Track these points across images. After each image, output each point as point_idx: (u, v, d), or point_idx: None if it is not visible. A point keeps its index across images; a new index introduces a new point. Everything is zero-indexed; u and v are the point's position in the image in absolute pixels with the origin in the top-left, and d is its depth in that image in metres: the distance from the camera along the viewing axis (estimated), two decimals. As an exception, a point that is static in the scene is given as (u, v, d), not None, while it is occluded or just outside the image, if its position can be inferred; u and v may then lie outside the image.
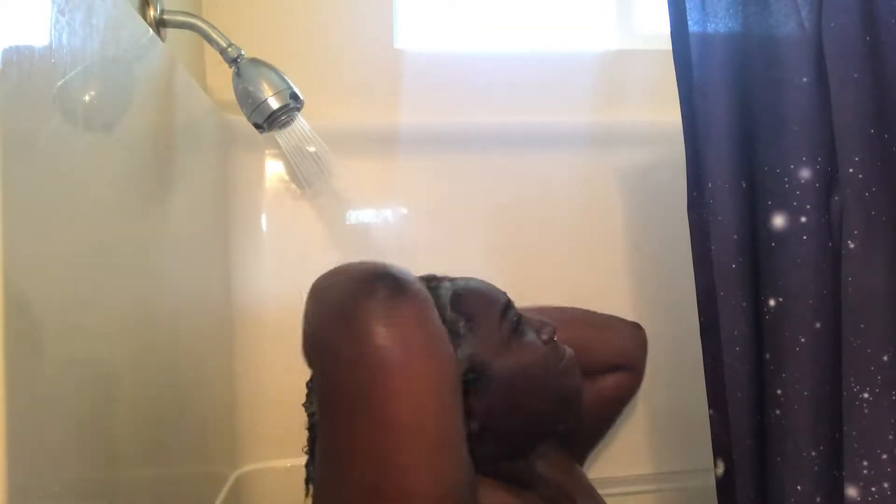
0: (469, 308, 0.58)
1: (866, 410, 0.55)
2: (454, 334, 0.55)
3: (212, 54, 0.77)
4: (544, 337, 0.62)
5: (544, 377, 0.60)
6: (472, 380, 0.55)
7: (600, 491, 0.72)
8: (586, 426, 0.81)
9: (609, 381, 0.83)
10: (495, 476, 0.58)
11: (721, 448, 0.65)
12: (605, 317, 0.87)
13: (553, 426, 0.64)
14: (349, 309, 0.44)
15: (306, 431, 0.57)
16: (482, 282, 0.64)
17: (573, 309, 0.86)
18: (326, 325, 0.46)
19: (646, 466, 1.00)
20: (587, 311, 0.86)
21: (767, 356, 0.61)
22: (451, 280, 0.63)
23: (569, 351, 0.65)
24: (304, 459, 0.59)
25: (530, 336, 0.61)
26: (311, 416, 0.57)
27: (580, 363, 0.66)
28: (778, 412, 0.60)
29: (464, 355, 0.55)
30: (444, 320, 0.53)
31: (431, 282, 0.61)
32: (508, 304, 0.62)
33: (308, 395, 0.60)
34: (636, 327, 0.89)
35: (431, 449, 0.44)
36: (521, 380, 0.58)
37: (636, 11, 1.08)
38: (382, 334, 0.43)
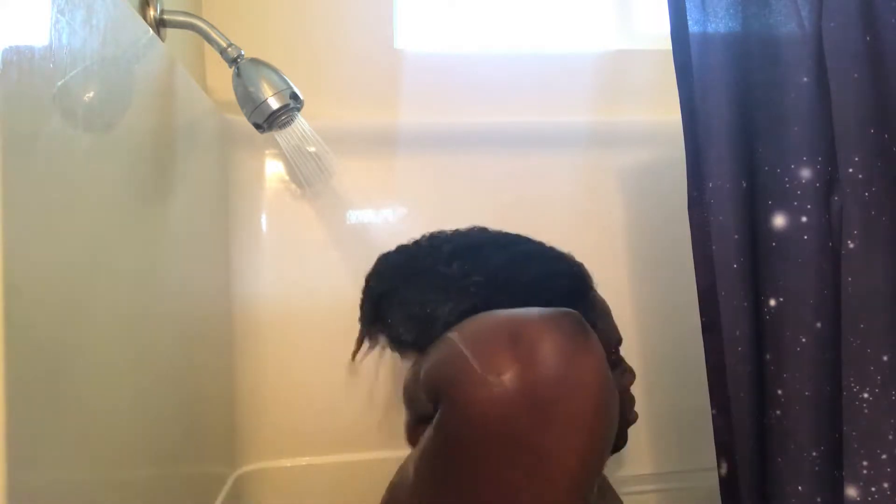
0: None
1: (866, 410, 0.55)
2: None
3: (212, 54, 0.77)
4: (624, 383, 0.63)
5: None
6: None
7: (601, 491, 0.72)
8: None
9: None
10: None
11: (724, 448, 0.65)
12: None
13: None
14: (530, 334, 0.42)
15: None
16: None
17: None
18: (494, 344, 0.43)
19: (648, 466, 1.00)
20: None
21: (768, 356, 0.61)
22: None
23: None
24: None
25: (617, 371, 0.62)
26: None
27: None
28: (779, 412, 0.60)
29: None
30: None
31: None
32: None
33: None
34: None
35: (590, 475, 0.44)
36: None
37: (636, 11, 1.08)
38: (570, 370, 0.41)
